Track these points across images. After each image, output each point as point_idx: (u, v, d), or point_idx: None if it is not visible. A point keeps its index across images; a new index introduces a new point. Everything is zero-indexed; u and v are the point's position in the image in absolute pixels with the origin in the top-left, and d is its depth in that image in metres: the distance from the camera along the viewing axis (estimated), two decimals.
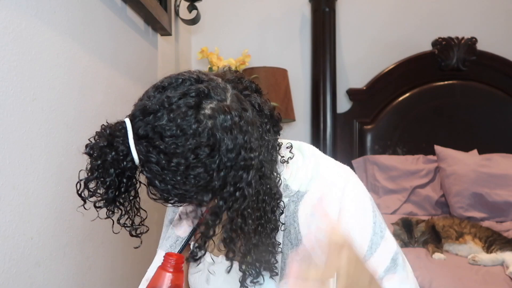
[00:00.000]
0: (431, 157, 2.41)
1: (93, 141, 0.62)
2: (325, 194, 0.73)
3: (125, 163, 0.60)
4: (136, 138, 0.60)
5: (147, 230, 0.67)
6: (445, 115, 2.53)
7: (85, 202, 0.63)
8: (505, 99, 2.54)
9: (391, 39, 2.64)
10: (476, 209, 2.13)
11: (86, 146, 0.62)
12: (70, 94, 1.04)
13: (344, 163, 0.81)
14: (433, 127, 2.53)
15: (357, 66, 2.64)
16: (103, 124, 0.64)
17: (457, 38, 2.53)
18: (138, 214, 0.66)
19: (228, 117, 0.60)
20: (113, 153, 0.60)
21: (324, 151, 2.43)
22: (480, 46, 2.54)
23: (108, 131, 0.62)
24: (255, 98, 0.68)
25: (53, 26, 0.96)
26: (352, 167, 2.43)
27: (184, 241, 0.80)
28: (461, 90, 2.54)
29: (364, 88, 2.56)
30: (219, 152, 0.59)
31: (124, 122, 0.62)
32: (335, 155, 2.44)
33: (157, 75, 1.77)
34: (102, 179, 0.61)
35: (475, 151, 2.36)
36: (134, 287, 1.33)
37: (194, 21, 2.10)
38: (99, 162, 0.60)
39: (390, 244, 0.73)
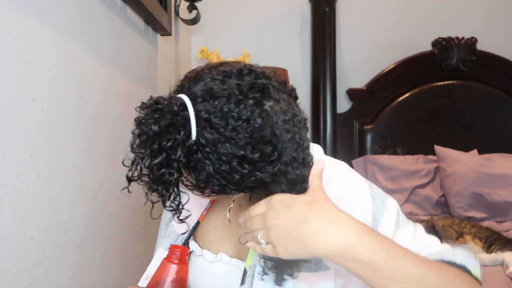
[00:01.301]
0: (431, 157, 2.41)
1: (148, 117, 0.56)
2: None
3: (188, 144, 0.56)
4: (197, 119, 0.57)
5: (190, 215, 0.64)
6: (445, 115, 2.53)
7: (129, 183, 0.58)
8: (505, 99, 2.54)
9: (391, 39, 2.64)
10: (476, 209, 2.13)
11: (144, 122, 0.56)
12: (70, 94, 1.04)
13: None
14: (433, 127, 2.53)
15: (357, 66, 2.64)
16: (152, 96, 0.59)
17: (457, 38, 2.53)
18: (178, 198, 0.63)
19: (286, 118, 0.60)
20: (182, 133, 0.56)
21: (324, 151, 2.45)
22: (480, 46, 2.54)
23: (172, 108, 0.57)
24: (296, 106, 0.68)
25: (53, 26, 0.96)
26: (352, 167, 2.43)
27: (184, 239, 0.81)
28: (461, 90, 2.54)
29: (364, 88, 2.56)
30: (276, 151, 0.59)
31: (183, 100, 0.58)
32: (335, 155, 2.44)
33: (157, 75, 1.77)
34: (169, 161, 0.56)
35: (475, 151, 2.37)
36: None
37: (194, 21, 2.10)
38: (169, 144, 0.55)
39: (392, 209, 0.71)
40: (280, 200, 0.60)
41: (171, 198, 0.61)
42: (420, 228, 0.73)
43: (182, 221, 0.66)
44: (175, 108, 0.57)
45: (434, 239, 0.71)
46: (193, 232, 0.82)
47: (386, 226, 0.69)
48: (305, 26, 2.64)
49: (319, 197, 0.60)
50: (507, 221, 2.07)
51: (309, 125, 2.73)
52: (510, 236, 1.76)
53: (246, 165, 0.58)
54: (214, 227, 0.82)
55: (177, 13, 2.09)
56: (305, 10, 2.63)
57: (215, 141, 0.57)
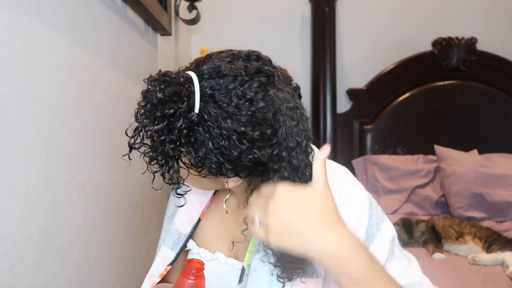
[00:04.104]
0: (431, 157, 2.41)
1: (156, 88, 0.57)
2: None
3: (190, 115, 0.57)
4: (202, 94, 0.59)
5: (190, 190, 0.65)
6: (445, 115, 2.54)
7: (130, 150, 0.59)
8: (505, 99, 2.54)
9: (391, 39, 2.64)
10: (476, 209, 2.13)
11: (149, 91, 0.58)
12: (70, 94, 1.04)
13: (344, 163, 0.82)
14: (433, 127, 2.53)
15: (357, 66, 2.64)
16: (160, 70, 0.60)
17: (457, 38, 2.53)
18: (177, 173, 0.63)
19: (290, 105, 0.62)
20: (185, 103, 0.57)
21: None
22: (480, 46, 2.54)
23: (178, 80, 0.58)
24: (300, 104, 0.69)
25: (53, 26, 0.96)
26: (352, 167, 2.43)
27: (186, 237, 0.81)
28: (461, 90, 2.55)
29: (364, 88, 2.56)
30: (277, 136, 0.60)
31: (190, 76, 0.60)
32: (335, 155, 2.44)
33: None
34: (170, 129, 0.57)
35: (475, 151, 2.37)
36: (134, 287, 1.33)
37: (194, 21, 2.10)
38: (171, 111, 0.56)
39: (387, 235, 0.71)
40: (287, 190, 0.57)
41: (170, 172, 0.61)
42: (414, 264, 0.73)
43: (180, 195, 0.66)
44: (181, 80, 0.58)
45: (426, 281, 0.71)
46: (194, 231, 0.82)
47: (377, 250, 0.70)
48: (305, 26, 2.64)
49: (324, 197, 0.57)
50: (507, 221, 2.07)
51: (309, 125, 2.74)
52: (510, 236, 1.76)
53: (245, 142, 0.58)
54: (211, 225, 0.82)
55: (177, 13, 2.09)
56: (305, 10, 2.63)
57: (217, 116, 0.58)
